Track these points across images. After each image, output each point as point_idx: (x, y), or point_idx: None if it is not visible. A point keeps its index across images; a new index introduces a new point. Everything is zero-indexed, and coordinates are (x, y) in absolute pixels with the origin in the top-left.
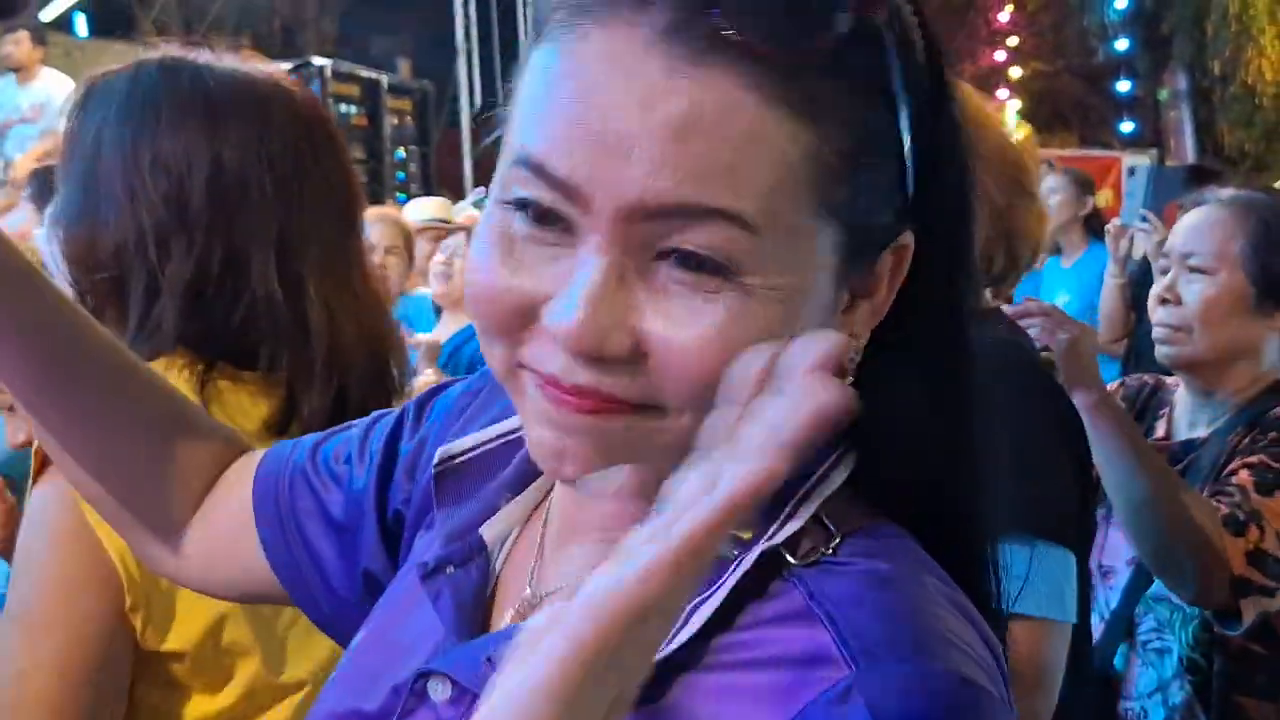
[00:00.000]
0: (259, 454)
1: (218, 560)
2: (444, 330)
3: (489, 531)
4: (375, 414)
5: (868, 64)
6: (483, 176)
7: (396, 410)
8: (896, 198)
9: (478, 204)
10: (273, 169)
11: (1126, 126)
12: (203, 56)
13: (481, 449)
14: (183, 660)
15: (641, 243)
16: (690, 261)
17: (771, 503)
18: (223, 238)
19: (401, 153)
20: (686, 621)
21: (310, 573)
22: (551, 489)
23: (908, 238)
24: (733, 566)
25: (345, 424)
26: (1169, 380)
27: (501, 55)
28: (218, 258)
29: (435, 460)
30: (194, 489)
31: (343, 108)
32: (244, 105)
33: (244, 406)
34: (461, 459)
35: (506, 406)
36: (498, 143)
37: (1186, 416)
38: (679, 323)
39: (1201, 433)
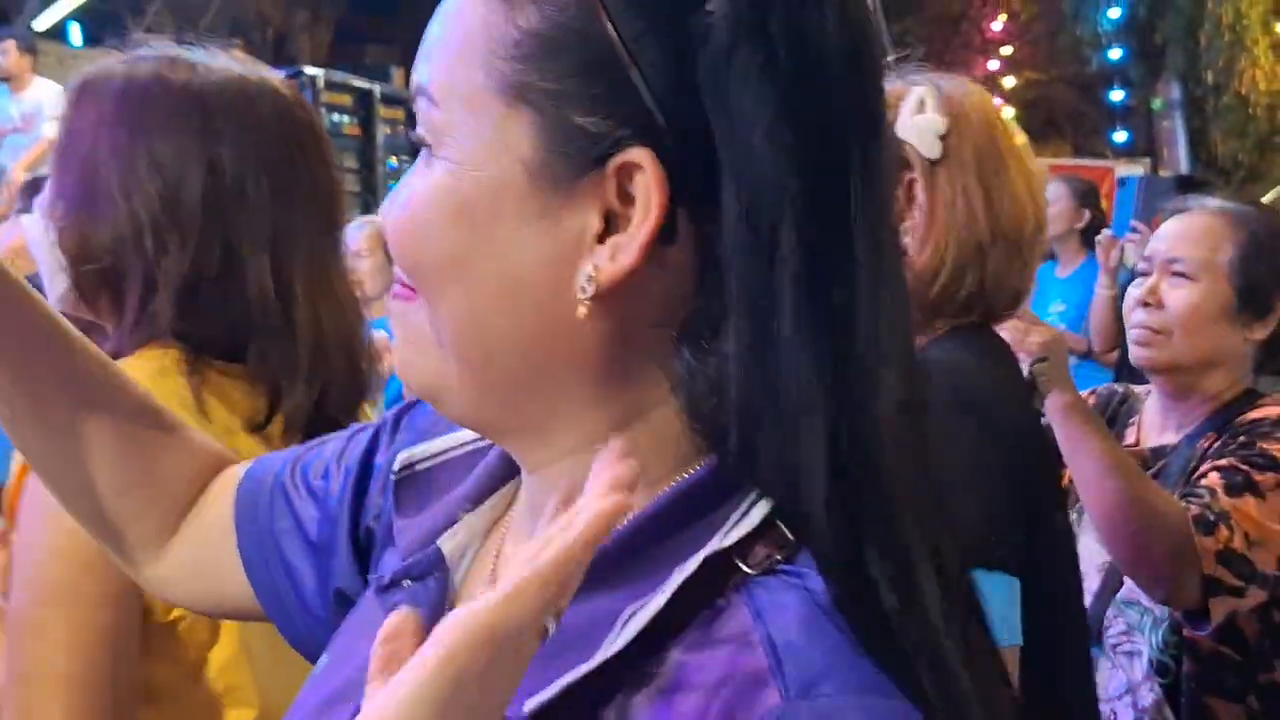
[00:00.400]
0: (243, 467)
1: (201, 578)
2: None
3: (448, 544)
4: (355, 427)
5: None
6: None
7: (375, 423)
8: (623, 105)
9: None
10: (267, 172)
11: (1120, 136)
12: (197, 56)
13: (445, 456)
14: (185, 619)
15: None
16: (417, 146)
17: (719, 503)
18: (219, 236)
19: (394, 162)
20: (623, 628)
21: (287, 593)
22: (513, 501)
23: (640, 156)
24: (675, 570)
25: (327, 436)
26: (1139, 389)
27: None
28: (214, 256)
29: (395, 466)
30: (179, 503)
31: (335, 117)
32: (239, 107)
33: (233, 399)
34: (423, 466)
35: None
36: None
37: (1157, 423)
38: (393, 199)
39: (1171, 439)
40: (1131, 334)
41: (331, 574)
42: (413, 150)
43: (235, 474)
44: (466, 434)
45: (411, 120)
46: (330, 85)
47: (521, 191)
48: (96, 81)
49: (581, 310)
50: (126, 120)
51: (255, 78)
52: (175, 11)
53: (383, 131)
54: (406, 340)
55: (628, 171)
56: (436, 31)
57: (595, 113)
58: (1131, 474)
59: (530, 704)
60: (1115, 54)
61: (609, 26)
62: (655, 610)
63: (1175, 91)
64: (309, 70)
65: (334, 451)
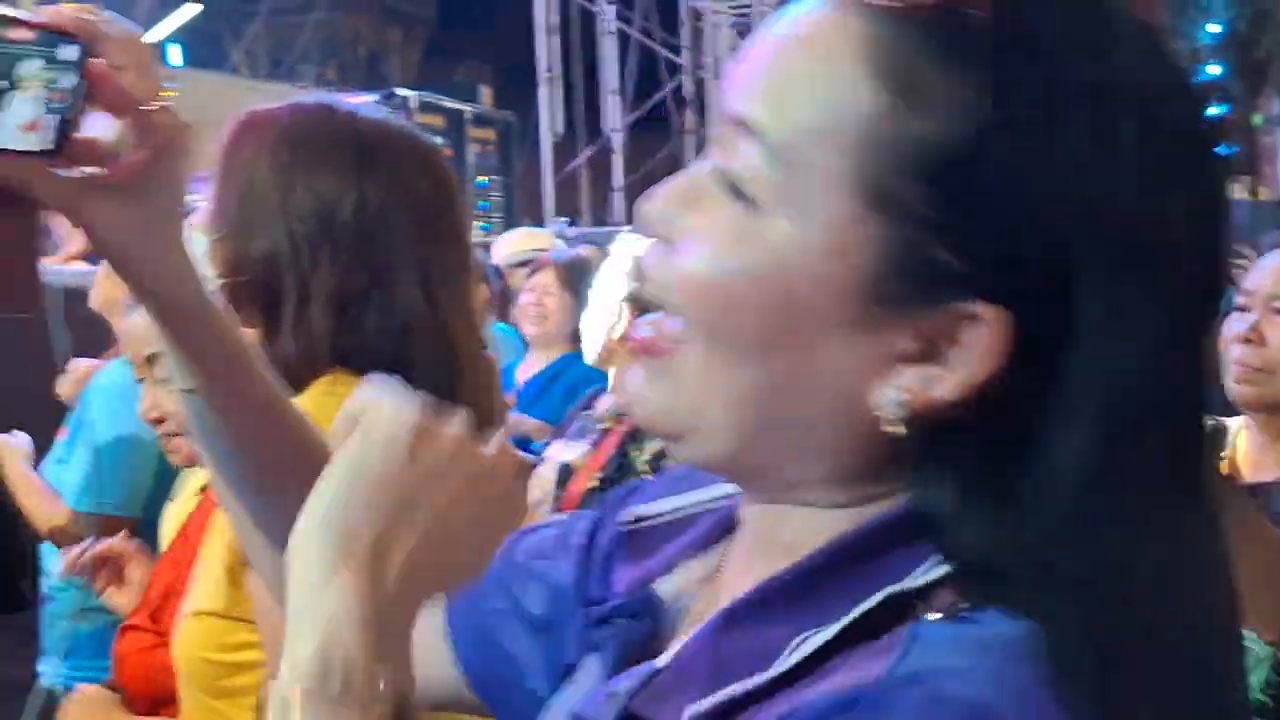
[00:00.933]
0: None
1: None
2: (530, 367)
3: (664, 587)
4: (575, 513)
5: (972, 56)
6: (563, 205)
7: (593, 510)
8: (992, 256)
9: (561, 235)
10: (410, 206)
11: None
12: (351, 104)
13: (674, 514)
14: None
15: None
16: (723, 178)
17: (903, 547)
18: (366, 258)
19: (484, 181)
20: (793, 653)
21: (507, 678)
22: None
23: (990, 314)
24: (854, 606)
25: (538, 524)
26: (1231, 422)
27: (583, 84)
28: (363, 276)
29: (624, 519)
30: None
31: None
32: (387, 149)
33: None
34: (650, 522)
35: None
36: (577, 172)
37: (1253, 459)
38: (689, 228)
39: (1269, 476)
40: (1232, 371)
41: (563, 649)
42: (502, 169)
43: None
44: (704, 493)
45: (503, 140)
46: (423, 107)
47: (849, 298)
48: (260, 118)
49: (891, 429)
50: (288, 151)
51: (400, 127)
52: (273, 32)
53: (473, 151)
54: (661, 386)
55: (967, 317)
56: (796, 73)
57: (959, 254)
58: (1241, 510)
59: (690, 711)
60: (1214, 70)
61: (1016, 173)
62: (827, 638)
63: (1276, 107)
64: (401, 91)
65: (551, 535)
